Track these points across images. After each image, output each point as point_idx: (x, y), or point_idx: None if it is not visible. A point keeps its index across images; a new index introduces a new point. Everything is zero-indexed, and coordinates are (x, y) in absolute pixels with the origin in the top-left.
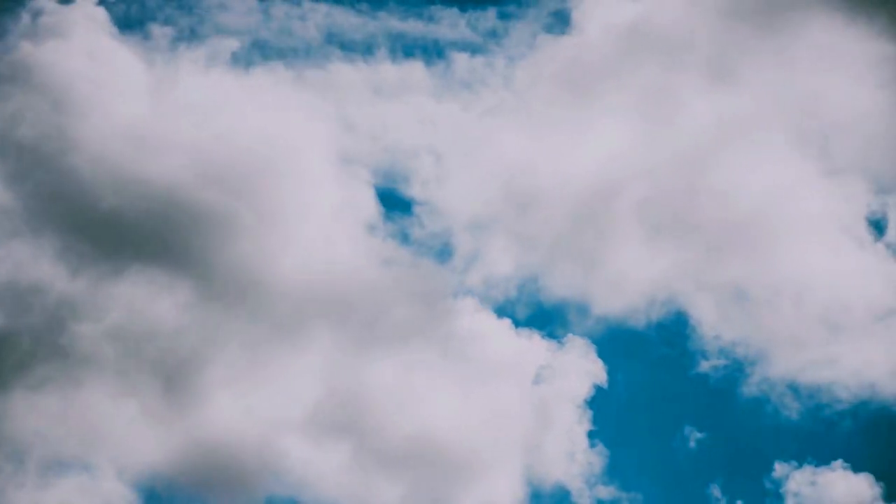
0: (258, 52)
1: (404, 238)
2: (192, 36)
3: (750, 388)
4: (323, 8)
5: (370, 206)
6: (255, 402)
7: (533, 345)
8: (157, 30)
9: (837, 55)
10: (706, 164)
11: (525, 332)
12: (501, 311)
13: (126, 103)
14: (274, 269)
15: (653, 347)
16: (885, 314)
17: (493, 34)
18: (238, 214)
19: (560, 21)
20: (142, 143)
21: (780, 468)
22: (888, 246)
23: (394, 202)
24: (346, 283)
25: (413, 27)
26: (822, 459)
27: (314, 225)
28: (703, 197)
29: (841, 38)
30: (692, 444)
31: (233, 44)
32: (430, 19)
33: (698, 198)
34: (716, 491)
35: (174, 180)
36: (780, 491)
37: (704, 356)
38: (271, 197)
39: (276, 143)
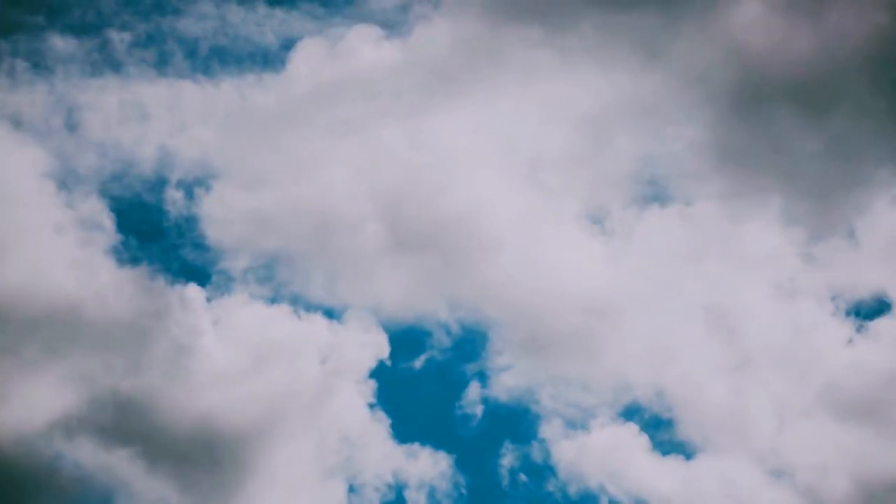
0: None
1: (152, 257)
2: None
3: (511, 381)
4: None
5: (109, 228)
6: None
7: (314, 326)
8: None
9: (535, 98)
10: (424, 189)
11: (305, 315)
12: (275, 300)
13: None
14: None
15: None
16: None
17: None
18: None
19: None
20: None
21: (550, 441)
22: (613, 235)
23: (140, 223)
24: (89, 302)
25: None
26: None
27: (44, 248)
28: (428, 216)
29: (539, 83)
30: (474, 414)
31: None
32: None
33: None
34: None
35: None
36: (551, 463)
37: (470, 354)
38: None
39: None
